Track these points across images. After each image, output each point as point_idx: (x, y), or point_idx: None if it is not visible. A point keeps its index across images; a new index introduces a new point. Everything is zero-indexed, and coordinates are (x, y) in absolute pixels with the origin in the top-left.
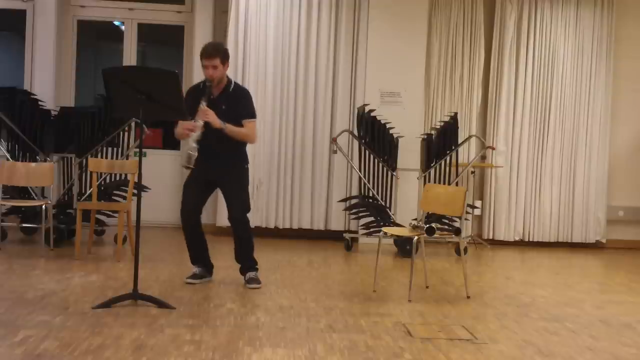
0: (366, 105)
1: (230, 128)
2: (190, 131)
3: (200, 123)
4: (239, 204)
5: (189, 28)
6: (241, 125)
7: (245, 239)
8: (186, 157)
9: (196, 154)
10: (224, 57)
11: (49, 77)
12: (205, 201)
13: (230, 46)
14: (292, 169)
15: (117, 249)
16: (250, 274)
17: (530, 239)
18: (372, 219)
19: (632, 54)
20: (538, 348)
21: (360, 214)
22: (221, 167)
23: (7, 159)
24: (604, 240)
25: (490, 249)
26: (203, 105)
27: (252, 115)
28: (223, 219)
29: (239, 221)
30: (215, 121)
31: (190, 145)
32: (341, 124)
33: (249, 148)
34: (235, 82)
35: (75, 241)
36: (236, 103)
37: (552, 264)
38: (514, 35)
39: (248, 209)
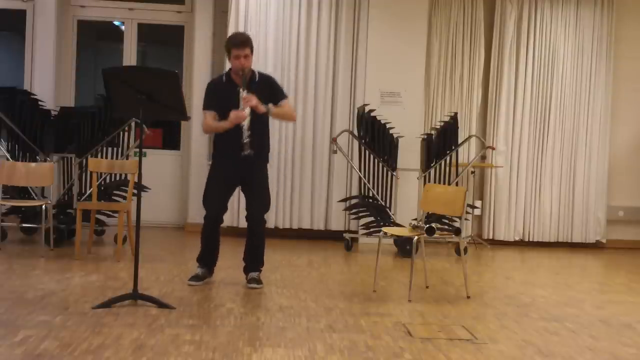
0: (366, 105)
1: (274, 109)
2: (240, 119)
3: (247, 110)
4: (260, 204)
5: (189, 28)
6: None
7: (259, 239)
8: (244, 145)
9: (249, 139)
10: (252, 47)
11: (49, 77)
12: (227, 202)
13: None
14: (292, 169)
15: (117, 249)
16: (253, 274)
17: (530, 239)
18: (372, 219)
19: (632, 54)
20: (538, 348)
21: (360, 214)
22: (249, 165)
23: (7, 159)
24: (604, 240)
25: (490, 249)
26: (244, 93)
27: (286, 95)
28: (225, 220)
29: (257, 221)
30: (259, 105)
31: (244, 134)
32: (341, 124)
33: None
34: (258, 71)
35: (75, 241)
36: (268, 89)
37: (552, 264)
38: (514, 35)
39: (268, 208)
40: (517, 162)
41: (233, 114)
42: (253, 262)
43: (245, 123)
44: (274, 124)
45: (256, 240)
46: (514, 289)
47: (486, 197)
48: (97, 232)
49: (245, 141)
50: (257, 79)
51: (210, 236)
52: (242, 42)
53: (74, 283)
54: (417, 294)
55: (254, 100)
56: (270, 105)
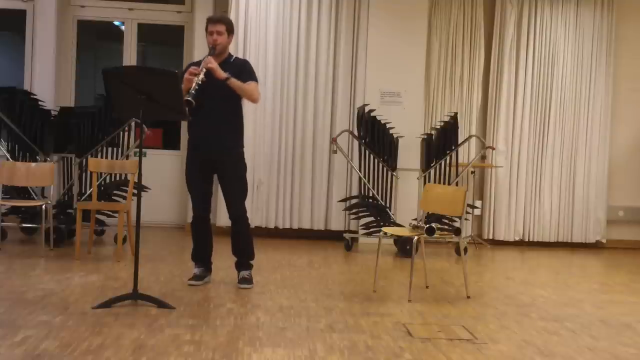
0: (366, 105)
1: (234, 81)
2: (194, 75)
3: (203, 70)
4: (237, 198)
5: (189, 28)
6: None
7: (244, 230)
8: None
9: (192, 98)
10: (230, 27)
11: (49, 77)
12: (211, 193)
13: (230, 46)
14: (292, 169)
15: (117, 249)
16: (244, 273)
17: (530, 239)
18: (372, 219)
19: (632, 54)
20: (538, 348)
21: (360, 214)
22: (218, 149)
23: (7, 159)
24: (604, 240)
25: (490, 249)
26: (208, 57)
27: (255, 79)
28: (223, 219)
29: (239, 217)
30: (219, 69)
31: (190, 91)
32: (341, 124)
33: (249, 146)
34: (236, 56)
35: (75, 241)
36: (238, 70)
37: (552, 264)
38: (514, 35)
39: (245, 197)
40: (517, 162)
41: (191, 69)
42: (242, 257)
43: (198, 78)
44: (273, 125)
45: (241, 234)
46: (514, 289)
47: (486, 197)
48: (97, 232)
49: (188, 97)
50: (232, 60)
51: (200, 228)
52: (216, 19)
53: (74, 283)
54: (417, 294)
55: (214, 63)
56: (231, 77)
